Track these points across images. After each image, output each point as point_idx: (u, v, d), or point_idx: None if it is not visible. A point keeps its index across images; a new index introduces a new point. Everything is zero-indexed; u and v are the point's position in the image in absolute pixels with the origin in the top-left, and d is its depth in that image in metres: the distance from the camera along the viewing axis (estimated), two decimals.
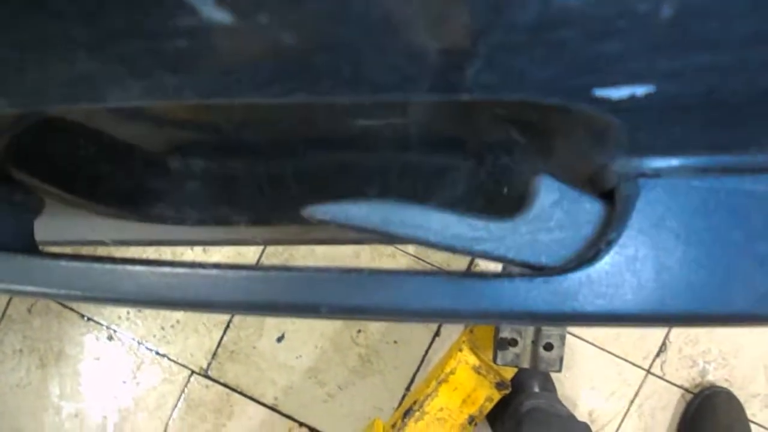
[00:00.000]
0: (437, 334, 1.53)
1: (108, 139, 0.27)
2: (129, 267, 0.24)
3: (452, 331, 1.50)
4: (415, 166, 0.31)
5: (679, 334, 1.48)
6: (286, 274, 0.23)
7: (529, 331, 1.24)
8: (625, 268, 0.23)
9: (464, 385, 1.32)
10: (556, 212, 0.24)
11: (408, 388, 1.52)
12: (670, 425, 1.49)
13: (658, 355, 1.49)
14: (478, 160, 0.31)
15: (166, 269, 0.24)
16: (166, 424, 1.55)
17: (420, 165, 0.31)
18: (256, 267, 0.23)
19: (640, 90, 0.17)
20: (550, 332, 1.22)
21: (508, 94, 0.17)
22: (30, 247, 0.28)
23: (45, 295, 0.25)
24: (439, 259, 1.53)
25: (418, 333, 1.53)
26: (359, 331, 1.54)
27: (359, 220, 0.24)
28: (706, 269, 0.22)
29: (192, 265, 0.24)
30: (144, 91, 0.17)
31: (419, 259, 1.53)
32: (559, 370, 1.19)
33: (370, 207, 0.24)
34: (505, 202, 0.32)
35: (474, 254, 0.25)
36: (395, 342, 1.53)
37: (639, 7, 0.14)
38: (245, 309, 0.24)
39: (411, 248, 1.53)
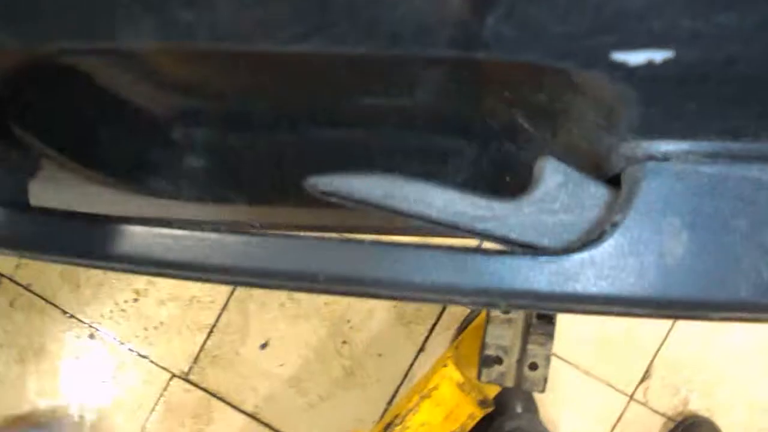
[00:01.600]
0: (422, 349, 1.52)
1: (111, 100, 0.27)
2: (125, 226, 0.24)
3: (437, 347, 1.49)
4: (419, 149, 0.31)
5: (663, 361, 1.48)
6: (285, 240, 0.23)
7: (515, 349, 1.23)
8: (628, 251, 0.22)
9: (447, 401, 1.31)
10: (560, 195, 0.24)
11: (390, 403, 1.50)
12: None
13: (641, 381, 1.48)
14: (482, 146, 0.31)
15: (163, 230, 0.23)
16: (143, 427, 1.53)
17: (424, 148, 0.31)
18: (256, 233, 0.23)
19: (658, 55, 0.17)
20: (535, 352, 1.21)
21: (524, 52, 0.17)
22: (23, 205, 0.27)
23: (34, 254, 0.24)
24: None
25: (403, 347, 1.52)
26: (344, 342, 1.53)
27: (362, 193, 0.24)
28: (710, 256, 0.22)
29: (189, 227, 0.23)
30: (157, 29, 0.17)
31: None
32: (543, 391, 1.18)
33: (373, 180, 0.24)
34: (507, 190, 0.31)
35: (476, 233, 0.24)
36: (380, 355, 1.52)
37: None
38: (241, 275, 0.23)
39: None
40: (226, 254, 0.23)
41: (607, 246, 0.22)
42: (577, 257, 0.22)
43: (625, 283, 0.22)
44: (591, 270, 0.22)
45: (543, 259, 0.22)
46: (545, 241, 0.24)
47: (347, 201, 0.25)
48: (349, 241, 0.23)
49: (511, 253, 0.22)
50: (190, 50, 0.18)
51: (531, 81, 0.25)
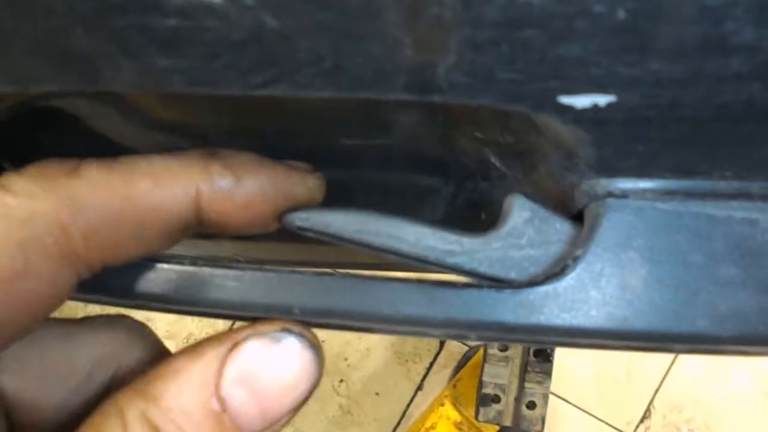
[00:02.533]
0: (420, 387, 1.51)
1: (99, 141, 0.28)
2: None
3: (435, 385, 1.49)
4: (397, 188, 0.32)
5: (664, 400, 1.47)
6: (259, 274, 0.24)
7: (513, 388, 1.22)
8: (590, 284, 0.23)
9: None
10: (527, 230, 0.25)
11: None
12: None
13: (642, 420, 1.47)
14: (458, 184, 0.32)
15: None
16: None
17: (402, 187, 0.32)
18: (231, 266, 0.24)
19: (602, 99, 0.18)
20: (533, 390, 1.21)
21: (477, 96, 0.18)
22: None
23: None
24: None
25: (401, 386, 1.51)
26: (341, 380, 1.53)
27: (336, 228, 0.25)
28: (668, 289, 0.23)
29: (163, 260, 0.24)
30: (135, 74, 0.18)
31: None
32: (541, 430, 1.17)
33: (347, 216, 0.25)
34: (482, 227, 0.32)
35: (446, 267, 0.25)
36: (377, 394, 1.51)
37: (595, 8, 0.15)
38: (215, 307, 0.24)
39: None
40: (200, 287, 0.24)
41: (570, 279, 0.23)
42: (541, 290, 0.23)
43: (588, 315, 0.23)
44: (554, 302, 0.23)
45: (508, 291, 0.23)
46: (512, 275, 0.25)
47: (322, 236, 0.26)
48: (320, 274, 0.24)
49: (477, 285, 0.23)
50: (169, 94, 0.19)
51: (498, 122, 0.26)
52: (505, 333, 0.24)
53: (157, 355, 0.26)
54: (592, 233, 0.23)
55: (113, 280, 0.24)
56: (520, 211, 0.25)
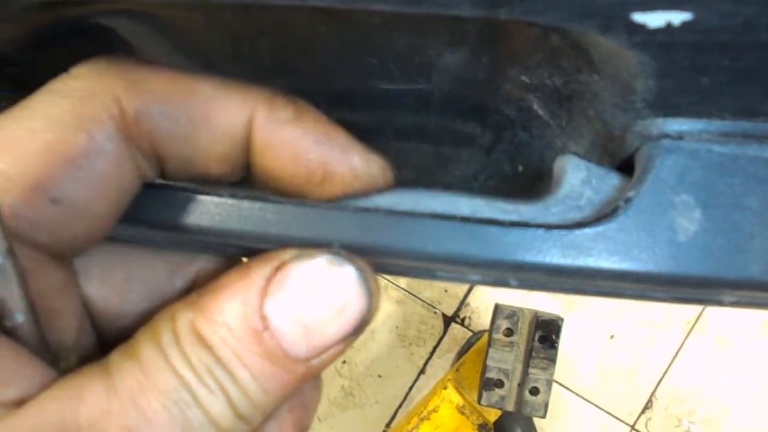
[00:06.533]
0: (422, 371, 1.51)
1: None
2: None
3: (438, 369, 1.48)
4: (433, 136, 0.32)
5: (666, 391, 1.47)
6: (301, 208, 0.23)
7: (516, 373, 1.22)
8: (641, 227, 0.23)
9: (446, 424, 1.30)
10: (585, 191, 0.24)
11: (389, 425, 1.49)
12: None
13: (643, 411, 1.47)
14: (496, 134, 0.31)
15: (169, 191, 0.24)
16: None
17: (438, 134, 0.31)
18: (271, 199, 0.23)
19: (677, 17, 0.17)
20: (537, 376, 1.21)
21: (546, 11, 0.17)
22: None
23: None
24: (430, 295, 1.52)
25: (403, 369, 1.51)
26: (344, 362, 1.52)
27: (388, 207, 0.24)
28: (722, 234, 0.22)
29: (204, 191, 0.24)
30: None
31: (410, 293, 1.52)
32: (544, 416, 1.17)
33: (399, 194, 0.24)
34: (519, 181, 0.32)
35: None
36: (379, 376, 1.51)
37: None
38: (256, 240, 0.23)
39: (402, 282, 1.52)
40: (242, 220, 0.23)
41: (620, 221, 0.23)
42: (591, 231, 0.23)
43: (638, 258, 0.22)
44: (603, 244, 0.22)
45: (556, 231, 0.23)
46: None
47: None
48: (363, 209, 0.23)
49: (525, 224, 0.23)
50: (216, 9, 0.18)
51: (548, 62, 0.25)
52: (550, 276, 0.23)
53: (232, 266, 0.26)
54: (645, 175, 0.23)
55: (152, 209, 0.23)
56: (575, 172, 0.24)
